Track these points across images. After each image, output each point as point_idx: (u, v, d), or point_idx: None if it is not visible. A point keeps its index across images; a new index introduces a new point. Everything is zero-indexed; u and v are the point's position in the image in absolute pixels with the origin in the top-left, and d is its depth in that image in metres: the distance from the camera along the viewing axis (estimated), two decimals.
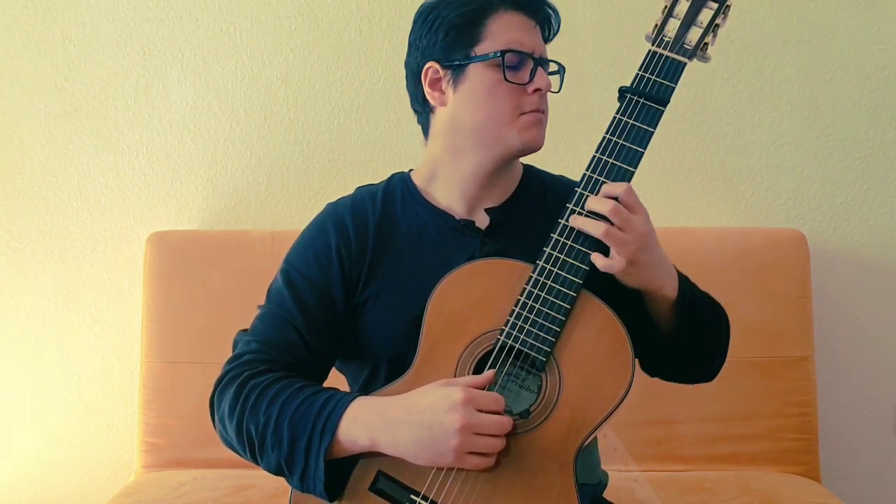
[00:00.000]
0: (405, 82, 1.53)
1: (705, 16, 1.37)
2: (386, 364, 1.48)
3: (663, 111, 1.36)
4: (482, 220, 1.51)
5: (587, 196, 1.35)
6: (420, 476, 1.34)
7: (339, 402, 1.34)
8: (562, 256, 1.35)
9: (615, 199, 1.32)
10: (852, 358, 2.49)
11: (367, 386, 1.50)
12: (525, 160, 1.55)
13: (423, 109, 1.52)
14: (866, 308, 2.48)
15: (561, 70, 1.51)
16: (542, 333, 1.34)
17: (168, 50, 2.43)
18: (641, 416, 2.25)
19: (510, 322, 1.35)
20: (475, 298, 1.38)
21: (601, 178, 1.36)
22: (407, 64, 1.52)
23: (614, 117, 1.37)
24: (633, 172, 1.36)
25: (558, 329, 1.34)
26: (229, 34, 2.43)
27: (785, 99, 2.45)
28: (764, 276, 2.30)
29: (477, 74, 1.44)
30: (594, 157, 1.37)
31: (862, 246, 2.48)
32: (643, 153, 1.36)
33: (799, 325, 2.30)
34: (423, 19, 1.48)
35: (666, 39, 1.38)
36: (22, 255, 2.46)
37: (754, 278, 2.29)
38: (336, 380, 1.56)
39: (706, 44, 1.38)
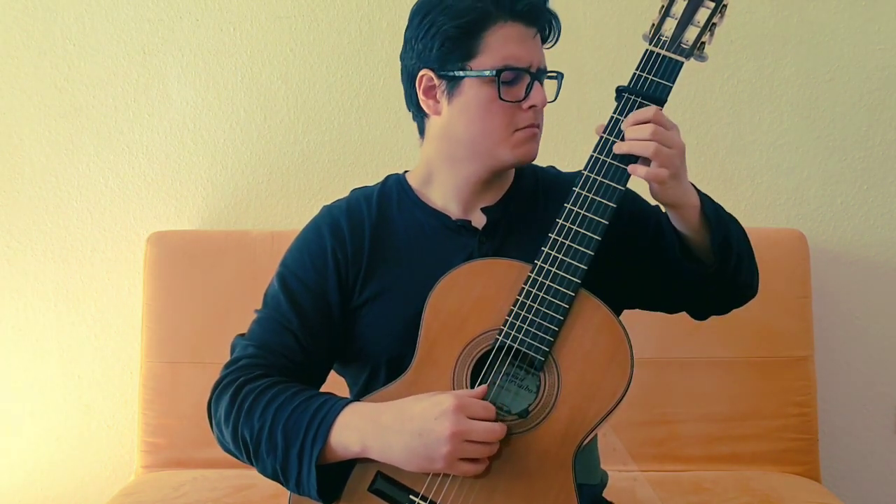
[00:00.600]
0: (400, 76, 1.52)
1: (702, 15, 1.37)
2: (385, 366, 1.48)
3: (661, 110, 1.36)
4: (478, 220, 1.50)
5: (621, 122, 1.35)
6: (419, 477, 1.34)
7: (331, 409, 1.34)
8: (560, 256, 1.35)
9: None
10: (852, 358, 2.49)
11: (366, 388, 1.50)
12: None
13: (417, 111, 1.51)
14: (866, 308, 2.48)
15: (559, 77, 1.49)
16: (540, 333, 1.34)
17: (168, 50, 2.43)
18: (641, 416, 2.25)
19: (509, 322, 1.35)
20: (473, 298, 1.39)
21: (599, 178, 1.36)
22: (402, 60, 1.50)
23: (612, 117, 1.37)
24: (630, 171, 1.36)
25: (557, 328, 1.34)
26: (229, 34, 2.43)
27: (785, 99, 2.44)
28: (764, 276, 2.27)
29: (472, 89, 1.42)
30: (592, 156, 1.37)
31: (862, 246, 2.48)
32: None
33: (799, 325, 2.30)
34: (419, 21, 1.45)
35: (663, 39, 1.37)
36: (22, 255, 2.46)
37: None
38: (335, 382, 1.56)
39: (703, 43, 1.38)
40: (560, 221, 1.36)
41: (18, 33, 2.41)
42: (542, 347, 1.34)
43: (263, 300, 1.50)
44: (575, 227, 1.35)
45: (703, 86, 2.43)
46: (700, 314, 1.56)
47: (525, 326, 1.34)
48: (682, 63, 1.36)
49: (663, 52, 1.37)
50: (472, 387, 1.36)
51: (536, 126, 1.45)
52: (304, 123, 2.45)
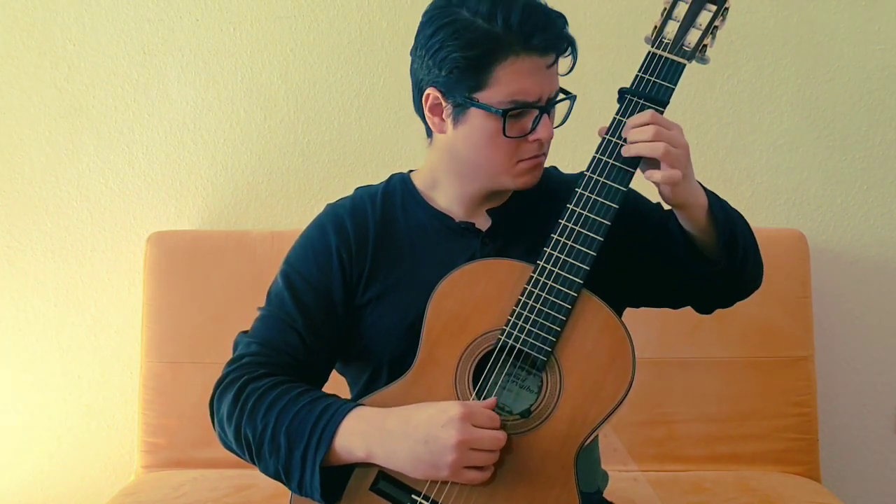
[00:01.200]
0: (409, 76, 1.48)
1: (704, 18, 1.38)
2: (387, 366, 1.48)
3: (663, 112, 1.36)
4: (482, 222, 1.50)
5: (625, 123, 1.35)
6: None
7: (335, 412, 1.34)
8: (562, 256, 1.35)
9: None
10: (852, 358, 2.49)
11: (367, 388, 1.50)
12: None
13: (425, 120, 1.48)
14: (866, 308, 2.48)
15: (571, 99, 1.45)
16: (542, 333, 1.34)
17: (168, 50, 2.42)
18: (641, 416, 2.25)
19: (511, 322, 1.35)
20: (476, 298, 1.39)
21: (601, 179, 1.36)
22: (411, 64, 1.45)
23: (614, 118, 1.37)
24: (633, 173, 1.37)
25: (559, 329, 1.34)
26: (229, 34, 2.43)
27: (785, 99, 2.45)
28: (764, 276, 2.30)
29: (478, 119, 1.39)
30: (594, 157, 1.37)
31: (862, 246, 2.48)
32: None
33: (799, 325, 2.30)
34: (429, 37, 1.39)
35: (665, 41, 1.38)
36: (22, 255, 2.46)
37: None
38: (335, 382, 1.57)
39: (705, 45, 1.38)
40: (562, 222, 1.36)
41: (18, 33, 2.41)
42: (545, 347, 1.34)
43: (267, 297, 1.50)
44: (577, 228, 1.36)
45: (703, 86, 2.43)
46: (705, 308, 1.56)
47: (527, 326, 1.35)
48: (684, 65, 1.37)
49: (665, 54, 1.37)
50: (474, 387, 1.36)
51: (542, 155, 1.44)
52: (304, 123, 2.45)
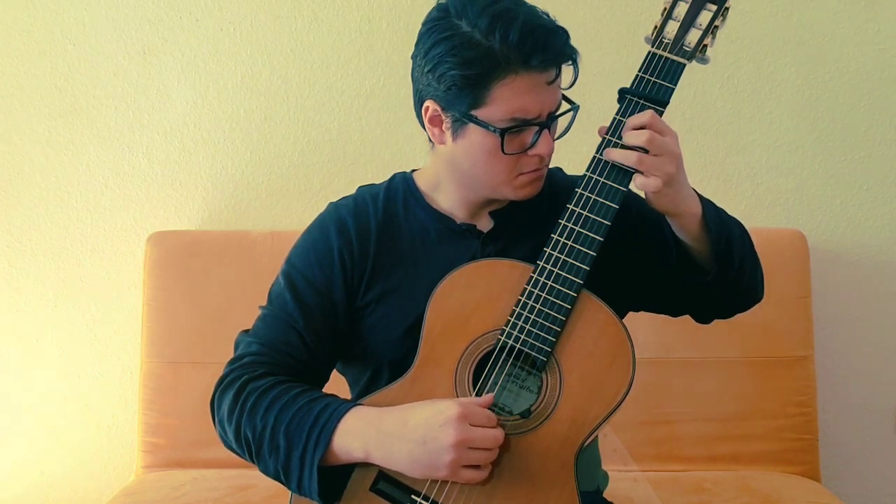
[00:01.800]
0: (409, 78, 1.46)
1: (704, 17, 1.37)
2: (387, 368, 1.48)
3: (663, 112, 1.36)
4: (484, 224, 1.50)
5: (624, 123, 1.34)
6: None
7: (334, 412, 1.34)
8: (562, 256, 1.35)
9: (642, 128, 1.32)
10: (852, 358, 2.49)
11: (368, 389, 1.50)
12: None
13: (425, 129, 1.46)
14: (866, 308, 2.48)
15: (574, 109, 1.43)
16: (542, 333, 1.34)
17: (168, 50, 2.43)
18: (641, 416, 2.25)
19: (511, 322, 1.35)
20: (476, 298, 1.39)
21: (601, 179, 1.36)
22: (412, 70, 1.42)
23: (614, 118, 1.37)
24: (633, 174, 1.36)
25: (559, 329, 1.34)
26: (229, 34, 2.43)
27: (785, 99, 2.45)
28: (764, 276, 2.30)
29: (477, 135, 1.37)
30: (594, 157, 1.37)
31: (862, 246, 2.48)
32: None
33: (799, 325, 2.30)
34: (427, 50, 1.37)
35: (665, 41, 1.38)
36: (22, 254, 2.46)
37: None
38: (336, 382, 1.56)
39: (705, 45, 1.38)
40: (562, 222, 1.36)
41: (18, 33, 2.41)
42: (544, 348, 1.34)
43: (268, 297, 1.50)
44: (577, 228, 1.36)
45: (703, 86, 2.43)
46: (703, 318, 1.56)
47: (527, 326, 1.34)
48: (685, 65, 1.37)
49: (665, 54, 1.37)
50: (474, 387, 1.36)
51: (543, 167, 1.43)
52: (304, 123, 2.45)
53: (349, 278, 1.47)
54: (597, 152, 1.37)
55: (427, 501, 1.34)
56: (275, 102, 2.45)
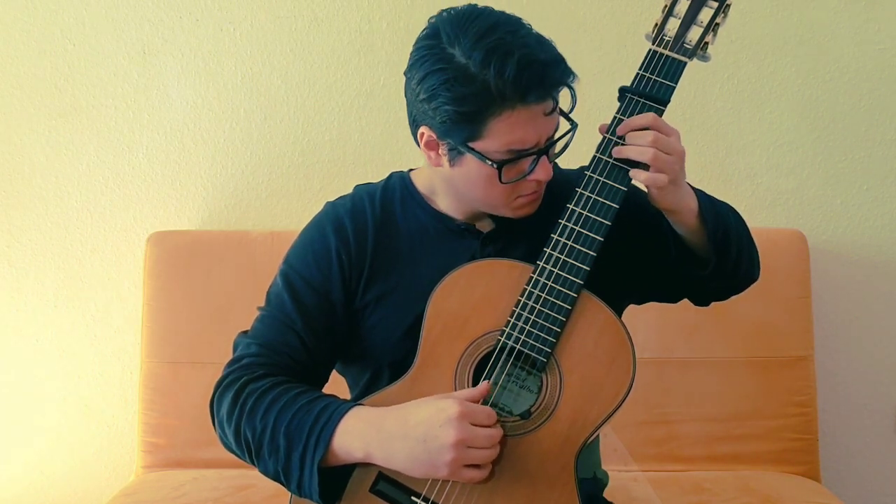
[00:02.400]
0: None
1: (705, 15, 1.37)
2: (387, 369, 1.48)
3: (663, 111, 1.36)
4: (483, 224, 1.50)
5: (624, 122, 1.34)
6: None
7: (333, 413, 1.34)
8: (562, 257, 1.35)
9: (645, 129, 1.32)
10: (852, 358, 2.49)
11: (367, 390, 1.49)
12: None
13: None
14: (866, 308, 2.48)
15: (573, 128, 1.40)
16: (542, 334, 1.34)
17: (168, 50, 2.42)
18: (641, 416, 2.25)
19: (510, 322, 1.35)
20: (475, 299, 1.38)
21: (602, 179, 1.36)
22: (405, 88, 1.39)
23: (615, 117, 1.37)
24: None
25: (559, 329, 1.34)
26: (229, 34, 2.43)
27: (785, 99, 2.45)
28: (764, 276, 2.27)
29: (474, 164, 1.36)
30: (595, 157, 1.37)
31: (862, 246, 2.48)
32: None
33: (799, 325, 2.30)
34: (420, 79, 1.33)
35: (666, 39, 1.37)
36: (22, 254, 2.46)
37: None
38: (336, 381, 1.56)
39: (706, 43, 1.38)
40: (562, 222, 1.36)
41: (18, 33, 2.41)
42: (544, 348, 1.34)
43: (266, 298, 1.50)
44: (577, 228, 1.35)
45: (703, 86, 2.43)
46: (701, 302, 1.57)
47: (527, 327, 1.34)
48: (686, 63, 1.36)
49: (666, 52, 1.37)
50: (474, 387, 1.36)
51: (541, 189, 1.42)
52: (304, 123, 2.45)
53: (347, 278, 1.47)
54: (597, 151, 1.37)
55: (427, 503, 1.34)
56: (275, 102, 2.44)
